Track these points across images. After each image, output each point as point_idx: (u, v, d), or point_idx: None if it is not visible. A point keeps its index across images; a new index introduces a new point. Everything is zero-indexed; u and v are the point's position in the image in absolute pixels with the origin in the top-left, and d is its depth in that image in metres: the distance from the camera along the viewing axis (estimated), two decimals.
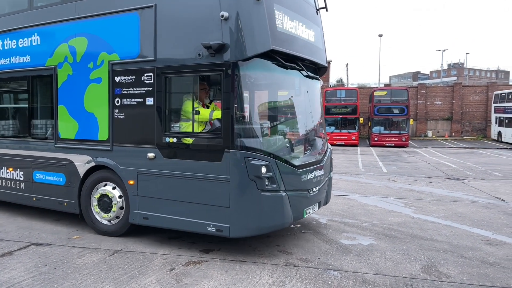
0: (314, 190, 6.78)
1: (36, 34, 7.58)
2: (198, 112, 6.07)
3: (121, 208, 6.83)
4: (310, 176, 6.64)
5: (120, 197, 6.83)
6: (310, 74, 7.01)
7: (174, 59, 6.20)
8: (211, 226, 5.92)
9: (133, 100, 6.55)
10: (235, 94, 5.69)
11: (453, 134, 41.28)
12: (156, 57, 6.29)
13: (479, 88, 42.43)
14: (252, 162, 5.67)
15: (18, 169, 8.02)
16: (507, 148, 30.33)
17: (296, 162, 6.42)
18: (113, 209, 6.90)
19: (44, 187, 7.67)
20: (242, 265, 5.81)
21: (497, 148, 30.29)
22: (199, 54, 5.89)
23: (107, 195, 6.94)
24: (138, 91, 6.48)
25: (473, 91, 42.01)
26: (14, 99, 8.66)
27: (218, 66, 5.77)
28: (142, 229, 6.92)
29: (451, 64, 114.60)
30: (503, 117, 34.54)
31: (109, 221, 7.00)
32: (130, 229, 6.88)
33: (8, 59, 8.00)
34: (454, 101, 41.37)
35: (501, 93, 36.14)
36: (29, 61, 7.74)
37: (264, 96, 6.33)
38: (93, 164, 7.03)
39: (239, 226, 5.80)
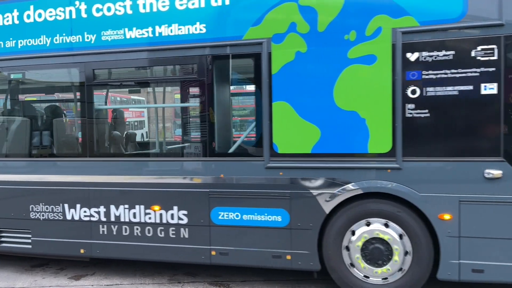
0: None
1: None
2: None
3: (404, 258, 4.13)
4: None
5: (401, 237, 4.13)
6: None
7: None
8: None
9: (450, 88, 3.91)
10: None
11: None
12: (504, 18, 3.77)
13: None
14: None
15: (176, 207, 4.68)
16: None
17: None
18: (394, 259, 4.15)
19: (236, 233, 4.51)
20: None
21: None
22: None
23: (381, 239, 4.17)
24: (463, 74, 3.87)
25: None
26: (163, 95, 5.12)
27: None
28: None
29: None
30: None
31: (386, 278, 4.22)
32: None
33: (150, 29, 4.59)
34: None
35: None
36: (202, 32, 4.47)
37: None
38: (357, 191, 4.17)
39: None
